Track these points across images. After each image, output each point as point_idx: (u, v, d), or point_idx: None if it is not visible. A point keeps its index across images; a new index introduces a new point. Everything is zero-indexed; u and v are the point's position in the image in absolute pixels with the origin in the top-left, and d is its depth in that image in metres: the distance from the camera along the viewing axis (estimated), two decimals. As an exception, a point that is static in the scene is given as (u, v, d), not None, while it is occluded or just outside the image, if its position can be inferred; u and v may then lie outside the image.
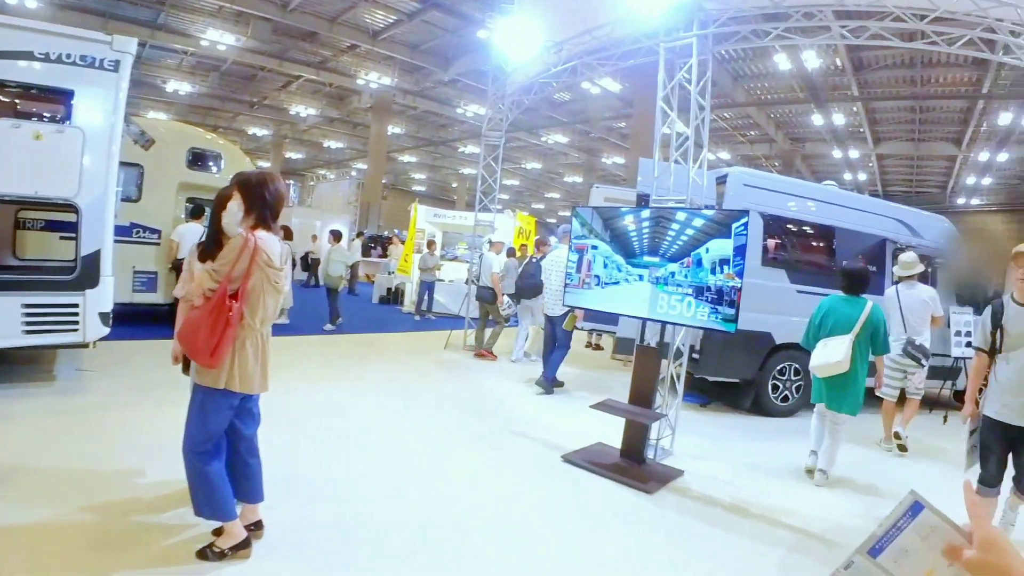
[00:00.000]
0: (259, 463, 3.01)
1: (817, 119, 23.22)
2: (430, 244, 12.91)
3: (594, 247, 4.83)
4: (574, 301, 5.11)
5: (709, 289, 4.09)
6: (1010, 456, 3.48)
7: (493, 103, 9.40)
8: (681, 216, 4.40)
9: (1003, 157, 24.91)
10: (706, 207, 4.85)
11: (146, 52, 21.47)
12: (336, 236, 10.62)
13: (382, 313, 13.65)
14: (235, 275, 2.63)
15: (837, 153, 26.33)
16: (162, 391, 5.07)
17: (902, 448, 5.65)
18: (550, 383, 6.97)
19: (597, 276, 4.80)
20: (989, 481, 3.53)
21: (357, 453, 4.41)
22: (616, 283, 4.65)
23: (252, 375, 2.75)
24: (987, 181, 28.92)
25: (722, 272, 4.03)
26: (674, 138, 5.05)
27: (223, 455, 2.84)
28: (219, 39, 19.73)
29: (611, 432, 4.88)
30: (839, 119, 23.11)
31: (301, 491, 3.60)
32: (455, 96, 26.49)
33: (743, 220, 4.04)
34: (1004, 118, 20.92)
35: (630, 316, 4.94)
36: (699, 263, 4.17)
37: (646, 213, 4.62)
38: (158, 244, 8.20)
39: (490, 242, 9.55)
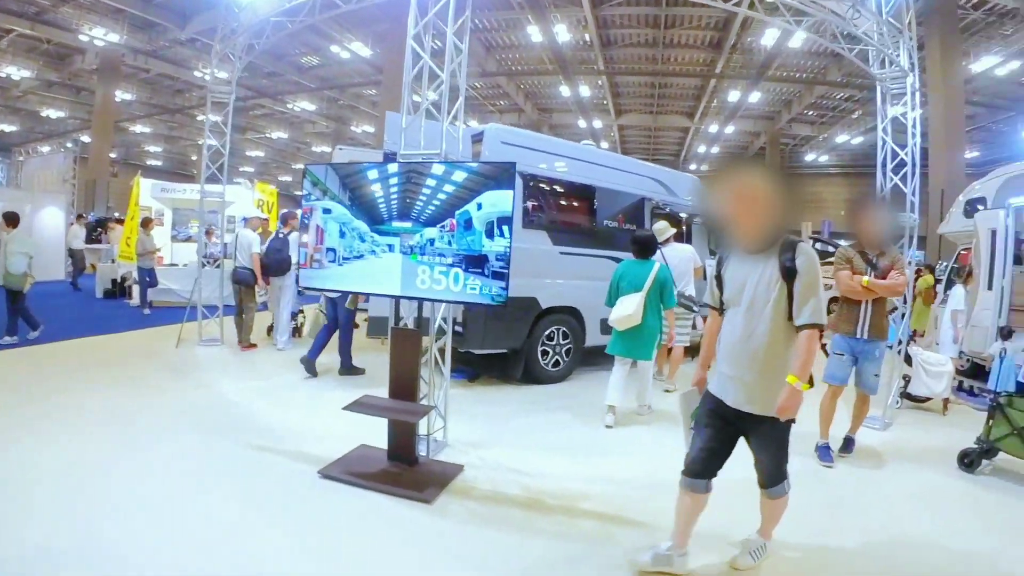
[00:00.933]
0: None
1: (565, 90, 24.69)
2: (145, 223, 10.82)
3: (326, 210, 3.85)
4: (308, 282, 4.11)
5: (486, 258, 3.45)
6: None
7: (220, 51, 7.71)
8: (439, 170, 3.68)
9: (730, 129, 29.37)
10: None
11: None
12: (10, 220, 7.78)
13: (106, 309, 11.04)
14: None
15: (582, 123, 28.50)
16: None
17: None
18: (349, 370, 6.50)
19: (332, 250, 3.86)
20: (692, 468, 2.65)
21: (53, 515, 3.07)
22: (360, 256, 3.76)
23: None
24: (715, 150, 33.91)
25: (501, 235, 3.42)
26: (426, 82, 4.28)
27: None
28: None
29: (376, 428, 4.04)
30: (585, 91, 24.83)
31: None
32: (193, 58, 23.07)
33: (512, 173, 3.49)
34: (733, 95, 24.53)
35: (381, 295, 4.17)
36: (467, 226, 3.51)
37: (394, 167, 3.79)
38: None
39: (245, 218, 8.27)
